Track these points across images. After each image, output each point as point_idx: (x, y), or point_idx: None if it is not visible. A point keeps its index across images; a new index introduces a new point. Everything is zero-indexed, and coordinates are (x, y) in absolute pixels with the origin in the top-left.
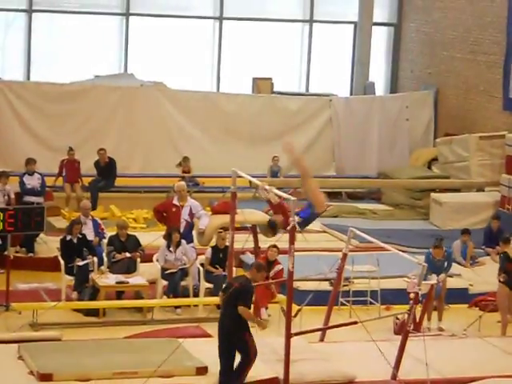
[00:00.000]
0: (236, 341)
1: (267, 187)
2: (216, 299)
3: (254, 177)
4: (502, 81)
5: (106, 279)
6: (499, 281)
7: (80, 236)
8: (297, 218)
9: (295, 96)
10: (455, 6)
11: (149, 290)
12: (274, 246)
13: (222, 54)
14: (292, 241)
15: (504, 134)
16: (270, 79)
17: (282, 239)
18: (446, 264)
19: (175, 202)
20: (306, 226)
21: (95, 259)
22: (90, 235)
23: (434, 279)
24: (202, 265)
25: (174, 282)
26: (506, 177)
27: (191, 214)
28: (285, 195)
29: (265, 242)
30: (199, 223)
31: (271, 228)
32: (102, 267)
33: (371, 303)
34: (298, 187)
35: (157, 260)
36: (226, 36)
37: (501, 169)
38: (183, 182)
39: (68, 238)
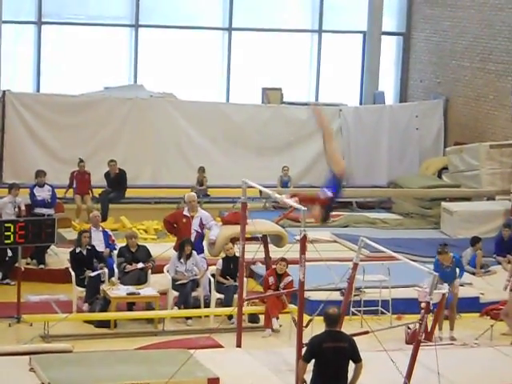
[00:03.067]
0: None
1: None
2: (227, 310)
3: (264, 187)
4: (511, 89)
5: (117, 290)
6: (511, 289)
7: (89, 247)
8: (329, 193)
9: (305, 106)
10: (464, 15)
11: (160, 301)
12: (283, 260)
13: (231, 64)
14: (303, 251)
15: None
16: (280, 89)
17: (292, 249)
18: (456, 270)
19: (186, 212)
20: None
21: (106, 270)
22: (101, 247)
23: (445, 288)
24: (212, 275)
25: (185, 293)
26: None
27: (202, 225)
28: (295, 204)
29: (276, 252)
30: (210, 234)
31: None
32: (113, 278)
33: (382, 313)
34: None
35: (167, 271)
36: (235, 46)
37: (511, 177)
38: (194, 193)
39: (77, 250)
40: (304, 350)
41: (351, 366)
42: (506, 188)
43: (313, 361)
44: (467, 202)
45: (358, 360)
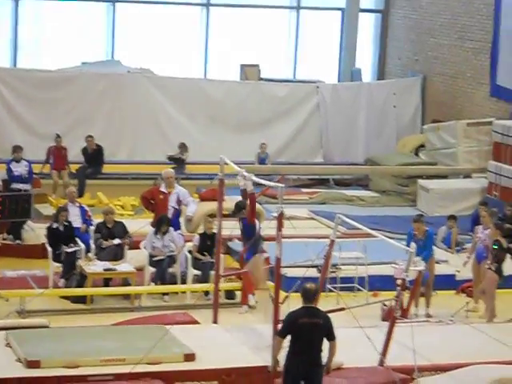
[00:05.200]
0: None
1: (246, 174)
2: (203, 286)
3: (241, 163)
4: (489, 67)
5: (94, 266)
6: (489, 269)
7: (66, 224)
8: None
9: (282, 83)
10: None
11: (136, 277)
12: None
13: (209, 40)
14: (280, 227)
15: (491, 120)
16: (258, 66)
17: (269, 226)
18: (428, 246)
19: (163, 189)
20: None
21: (82, 246)
22: (78, 222)
23: (421, 265)
24: (189, 252)
25: (162, 269)
26: (493, 163)
27: (179, 201)
28: (271, 183)
29: None
30: (187, 210)
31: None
32: (90, 254)
33: (358, 289)
34: (286, 174)
35: (144, 247)
36: (214, 23)
37: (488, 155)
38: (171, 169)
39: (54, 225)
40: (280, 325)
41: (326, 344)
42: (482, 166)
43: (289, 337)
44: (444, 179)
45: (332, 338)
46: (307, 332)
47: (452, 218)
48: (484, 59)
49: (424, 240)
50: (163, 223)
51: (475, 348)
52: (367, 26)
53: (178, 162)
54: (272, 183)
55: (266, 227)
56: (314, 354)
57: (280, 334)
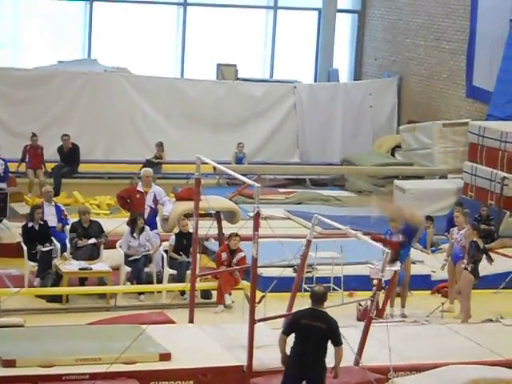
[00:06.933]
0: None
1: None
2: (179, 285)
3: (218, 163)
4: (465, 68)
5: (69, 265)
6: (465, 269)
7: (42, 222)
8: (401, 238)
9: (259, 82)
10: None
11: (112, 277)
12: (236, 235)
13: (186, 39)
14: (256, 227)
15: (467, 121)
16: (235, 65)
17: (245, 226)
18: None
19: (139, 188)
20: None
21: (58, 245)
22: (53, 221)
23: (397, 265)
24: (165, 251)
25: (138, 269)
26: (468, 164)
27: (155, 201)
28: (249, 181)
29: (229, 228)
30: (163, 210)
31: None
32: (65, 253)
33: (334, 289)
34: (262, 174)
35: (120, 246)
36: (191, 22)
37: (463, 156)
38: (149, 168)
39: (30, 224)
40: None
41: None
42: (458, 166)
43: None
44: (420, 180)
45: (337, 343)
46: (308, 333)
47: (429, 218)
48: (460, 60)
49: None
50: (138, 220)
51: (450, 348)
52: (344, 26)
53: (153, 166)
54: (249, 181)
55: (242, 227)
56: (314, 355)
57: (284, 332)
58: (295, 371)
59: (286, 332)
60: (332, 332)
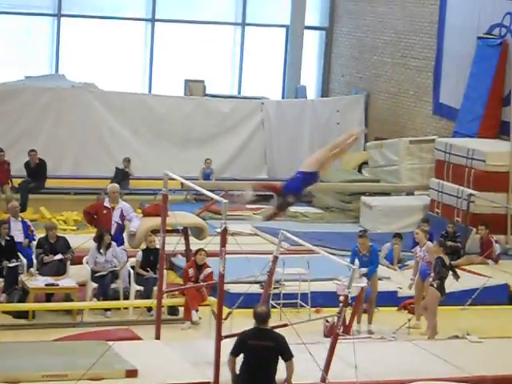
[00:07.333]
0: None
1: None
2: (146, 302)
3: (186, 179)
4: (432, 85)
5: (36, 281)
6: (431, 285)
7: (8, 238)
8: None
9: (227, 99)
10: (387, 11)
11: (78, 293)
12: (202, 250)
13: (154, 55)
14: (223, 243)
15: (434, 138)
16: (203, 82)
17: (212, 242)
18: (374, 262)
19: (106, 203)
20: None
21: (24, 261)
22: (20, 237)
23: (363, 282)
24: (132, 267)
25: (104, 285)
26: (435, 181)
27: (122, 217)
28: (217, 197)
29: (196, 244)
30: (130, 225)
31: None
32: (32, 269)
33: (301, 306)
34: (230, 190)
35: (87, 262)
36: (158, 38)
37: (430, 173)
38: (116, 184)
39: None
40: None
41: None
42: (424, 183)
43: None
44: (387, 196)
45: (287, 358)
46: (256, 353)
47: (397, 236)
48: (427, 77)
49: (368, 256)
50: (104, 235)
51: (417, 365)
52: (312, 43)
53: (122, 174)
54: (217, 197)
55: (210, 243)
56: (264, 374)
57: (232, 353)
58: None
59: (234, 353)
60: (281, 348)
